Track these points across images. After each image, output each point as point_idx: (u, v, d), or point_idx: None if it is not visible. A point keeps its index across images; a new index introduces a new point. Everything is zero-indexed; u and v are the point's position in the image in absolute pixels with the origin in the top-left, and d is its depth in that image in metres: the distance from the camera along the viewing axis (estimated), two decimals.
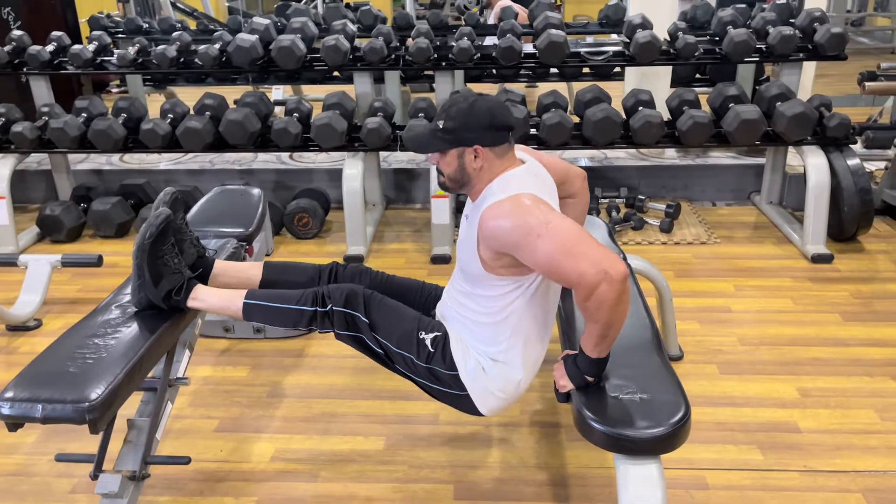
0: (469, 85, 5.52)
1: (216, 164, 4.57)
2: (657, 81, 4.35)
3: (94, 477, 1.83)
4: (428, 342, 1.89)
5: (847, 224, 3.57)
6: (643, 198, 4.12)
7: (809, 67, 4.44)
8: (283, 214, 3.94)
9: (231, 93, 4.22)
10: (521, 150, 1.98)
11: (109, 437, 1.90)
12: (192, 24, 6.14)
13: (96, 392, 1.65)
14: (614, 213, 4.00)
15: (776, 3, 4.16)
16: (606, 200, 4.20)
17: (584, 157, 4.54)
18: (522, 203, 1.68)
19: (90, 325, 1.93)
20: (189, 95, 4.00)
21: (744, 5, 4.24)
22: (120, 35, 5.12)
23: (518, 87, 6.58)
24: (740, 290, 3.29)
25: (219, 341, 2.98)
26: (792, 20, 3.95)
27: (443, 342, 1.89)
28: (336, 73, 4.85)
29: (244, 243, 2.65)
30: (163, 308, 1.96)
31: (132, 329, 1.91)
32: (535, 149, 4.02)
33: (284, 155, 4.68)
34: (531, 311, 1.85)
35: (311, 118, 3.80)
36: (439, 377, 1.90)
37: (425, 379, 1.93)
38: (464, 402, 1.91)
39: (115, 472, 1.85)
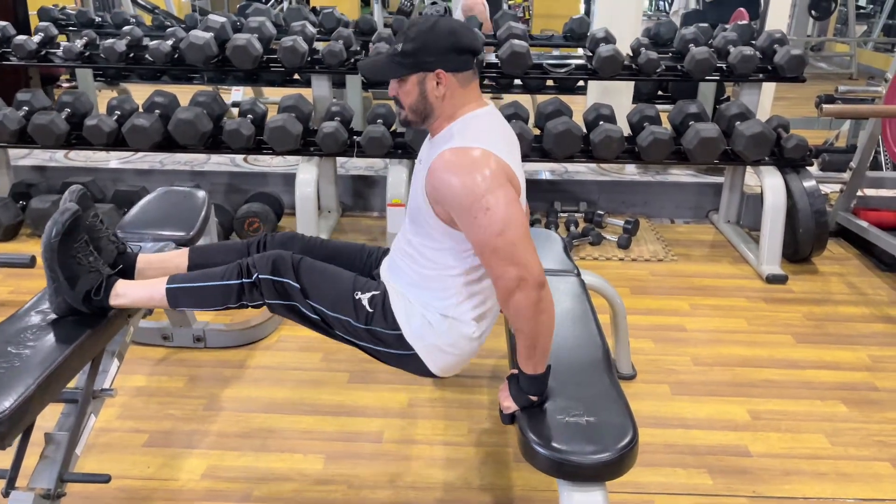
0: None
1: (167, 165, 4.41)
2: (619, 97, 4.33)
3: (6, 494, 1.69)
4: (365, 302, 1.78)
5: (802, 245, 3.58)
6: (602, 213, 4.09)
7: (769, 89, 4.48)
8: (233, 218, 3.81)
9: (188, 92, 4.07)
10: None
11: (24, 451, 1.75)
12: (148, 20, 5.96)
13: (5, 404, 1.53)
14: (573, 228, 3.96)
15: (737, 23, 4.18)
16: (566, 214, 4.16)
17: (545, 170, 4.50)
18: (478, 164, 1.56)
19: (6, 332, 1.80)
20: (144, 93, 3.85)
21: (706, 24, 4.25)
22: (71, 28, 4.94)
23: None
24: (695, 308, 3.26)
25: (156, 350, 2.84)
26: (753, 41, 3.97)
27: (382, 300, 1.78)
28: (297, 77, 4.75)
29: (185, 247, 2.53)
30: (85, 312, 1.83)
31: (50, 337, 1.78)
32: None
33: (239, 157, 4.55)
34: (480, 273, 1.75)
35: (266, 120, 3.69)
36: (382, 338, 1.78)
37: (368, 342, 1.81)
38: (412, 363, 1.80)
39: (28, 490, 1.71)
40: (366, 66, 1.75)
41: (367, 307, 1.78)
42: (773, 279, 3.48)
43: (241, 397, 2.55)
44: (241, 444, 2.31)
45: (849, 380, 2.71)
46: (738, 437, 2.38)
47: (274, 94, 6.03)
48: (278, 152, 3.57)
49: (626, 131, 3.73)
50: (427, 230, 1.72)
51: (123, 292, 1.88)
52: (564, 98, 3.96)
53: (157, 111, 3.64)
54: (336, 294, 1.80)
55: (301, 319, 1.86)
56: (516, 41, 3.63)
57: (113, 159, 4.49)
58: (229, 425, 2.40)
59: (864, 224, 3.71)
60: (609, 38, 3.91)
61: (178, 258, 2.07)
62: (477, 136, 1.62)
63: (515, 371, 1.72)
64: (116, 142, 3.60)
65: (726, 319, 3.16)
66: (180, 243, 2.51)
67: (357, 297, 1.79)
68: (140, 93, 4.87)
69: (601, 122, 3.60)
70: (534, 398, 1.67)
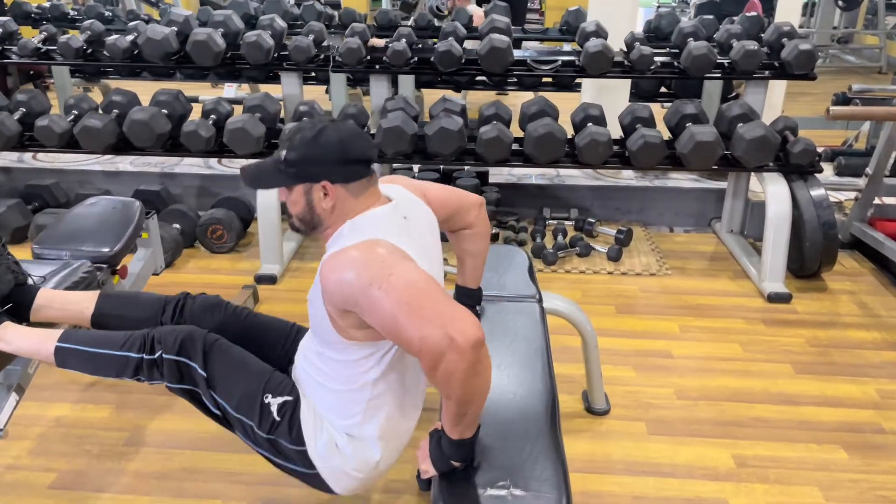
0: (423, 91, 5.21)
1: (137, 166, 4.20)
2: (615, 95, 4.02)
3: None
4: (274, 408, 1.57)
5: (808, 260, 3.26)
6: (593, 221, 3.79)
7: (779, 86, 4.13)
8: (195, 225, 3.58)
9: (184, 90, 3.84)
10: (395, 184, 1.65)
11: None
12: (156, 15, 5.73)
13: None
14: (560, 238, 3.67)
15: (745, 15, 3.84)
16: (554, 222, 3.87)
17: (535, 173, 4.21)
18: (371, 251, 1.36)
19: None
20: (143, 91, 3.61)
21: (711, 17, 3.92)
22: (45, 22, 4.75)
23: (486, 96, 6.27)
24: (686, 331, 2.96)
25: None
26: (762, 34, 3.64)
27: (292, 410, 1.57)
28: (314, 73, 4.48)
29: (105, 265, 2.31)
30: None
31: None
32: (457, 174, 3.62)
33: (213, 159, 4.32)
34: (389, 382, 1.53)
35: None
36: (283, 451, 1.57)
37: (267, 451, 1.60)
38: (313, 480, 1.59)
39: None
40: (249, 173, 1.56)
41: (275, 415, 1.56)
42: (774, 297, 3.16)
43: (166, 430, 2.32)
44: (156, 486, 2.08)
45: (852, 419, 2.40)
46: (718, 489, 2.10)
47: (277, 90, 5.76)
48: (239, 155, 3.33)
49: (619, 133, 3.43)
50: (329, 341, 1.51)
51: (9, 339, 1.73)
52: (562, 96, 3.68)
53: (115, 111, 3.43)
54: (244, 392, 1.59)
55: (200, 407, 1.66)
56: (496, 36, 3.35)
57: (83, 160, 4.29)
58: (148, 464, 2.17)
59: (881, 236, 3.37)
60: (600, 32, 3.60)
61: (84, 302, 1.89)
62: (372, 231, 1.43)
63: (440, 426, 1.46)
64: (70, 143, 3.39)
65: (719, 344, 2.86)
66: (99, 260, 2.28)
67: (266, 401, 1.57)
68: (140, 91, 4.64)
69: (588, 124, 3.31)
70: (456, 464, 1.43)
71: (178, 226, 3.57)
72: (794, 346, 2.84)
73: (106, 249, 2.32)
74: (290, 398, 1.58)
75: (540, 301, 2.19)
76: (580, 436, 2.32)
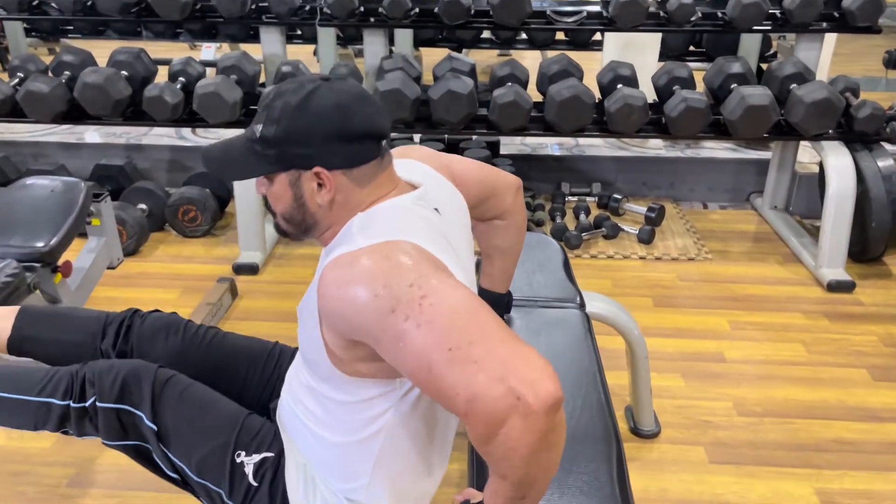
0: (422, 51, 4.69)
1: (98, 137, 3.71)
2: (643, 53, 3.54)
3: None
4: (249, 470, 1.15)
5: (873, 242, 2.83)
6: (619, 197, 3.34)
7: (827, 42, 3.66)
8: (165, 206, 3.12)
9: (156, 52, 3.34)
10: (412, 159, 1.20)
11: None
12: None
13: None
14: (583, 217, 3.22)
15: None
16: (574, 199, 3.42)
17: (553, 142, 3.74)
18: (392, 259, 0.92)
19: None
20: (96, 51, 3.12)
21: None
22: None
23: (488, 56, 5.74)
24: (737, 328, 2.53)
25: None
26: None
27: (273, 471, 1.15)
28: (298, 31, 3.97)
29: (38, 263, 1.85)
30: None
31: None
32: (465, 144, 3.09)
33: (186, 129, 3.83)
34: (408, 430, 1.09)
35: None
36: None
37: None
38: None
39: None
40: (214, 157, 1.10)
41: (251, 479, 1.15)
42: (835, 286, 2.74)
43: (120, 466, 1.88)
44: None
45: None
46: None
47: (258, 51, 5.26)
48: (212, 124, 2.85)
49: (651, 97, 2.96)
50: (325, 376, 1.07)
51: None
52: (577, 56, 3.20)
53: (67, 73, 2.93)
54: (209, 450, 1.17)
55: (151, 468, 1.25)
56: None
57: (39, 131, 3.79)
58: None
59: None
60: None
61: (0, 320, 1.40)
62: (392, 228, 0.99)
63: (476, 497, 1.04)
64: (13, 111, 2.90)
65: (778, 345, 2.44)
66: (31, 258, 1.83)
67: (238, 461, 1.15)
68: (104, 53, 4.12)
69: (619, 86, 2.84)
70: None
71: (144, 206, 3.10)
72: (866, 347, 2.43)
73: (39, 244, 1.86)
74: (269, 454, 1.16)
75: (582, 306, 1.76)
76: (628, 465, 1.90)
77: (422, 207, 1.05)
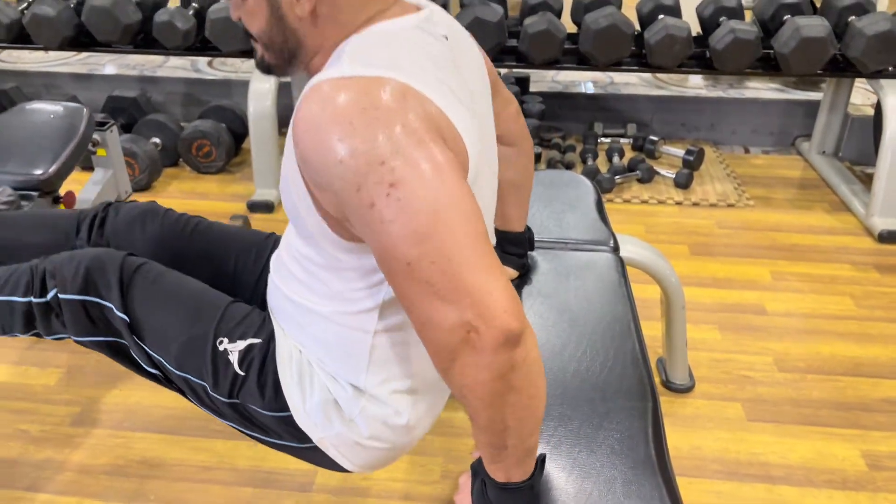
0: None
1: (112, 69, 3.58)
2: None
3: None
4: (234, 358, 1.02)
5: None
6: (655, 139, 3.14)
7: None
8: (177, 139, 2.99)
9: None
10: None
11: None
12: None
13: None
14: (616, 159, 3.04)
15: None
16: (608, 140, 3.23)
17: (587, 79, 3.53)
18: (373, 110, 0.76)
19: None
20: None
21: None
22: None
23: None
24: (780, 278, 2.37)
25: None
26: None
27: (262, 358, 1.02)
28: None
29: (35, 192, 1.75)
30: None
31: None
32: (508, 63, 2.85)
33: (203, 60, 3.68)
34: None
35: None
36: (257, 421, 1.04)
37: (235, 423, 1.06)
38: (312, 456, 1.05)
39: None
40: None
41: (237, 367, 1.01)
42: (887, 237, 2.55)
43: (128, 405, 1.81)
44: (106, 487, 1.59)
45: None
46: (848, 500, 1.57)
47: None
48: (225, 52, 2.70)
49: (695, 29, 2.74)
50: (314, 238, 0.92)
51: None
52: None
53: None
54: (187, 338, 1.03)
55: (130, 366, 1.11)
56: None
57: (52, 60, 3.67)
58: (99, 452, 1.68)
59: None
60: None
61: None
62: (381, 58, 0.82)
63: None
64: (19, 37, 2.77)
65: (824, 297, 2.28)
66: (27, 186, 1.73)
67: (221, 349, 1.02)
68: None
69: (661, 16, 2.62)
70: None
71: (157, 140, 2.99)
72: None
73: (37, 171, 1.76)
74: (256, 340, 1.02)
75: (616, 250, 1.61)
76: None
77: (426, 33, 0.88)
